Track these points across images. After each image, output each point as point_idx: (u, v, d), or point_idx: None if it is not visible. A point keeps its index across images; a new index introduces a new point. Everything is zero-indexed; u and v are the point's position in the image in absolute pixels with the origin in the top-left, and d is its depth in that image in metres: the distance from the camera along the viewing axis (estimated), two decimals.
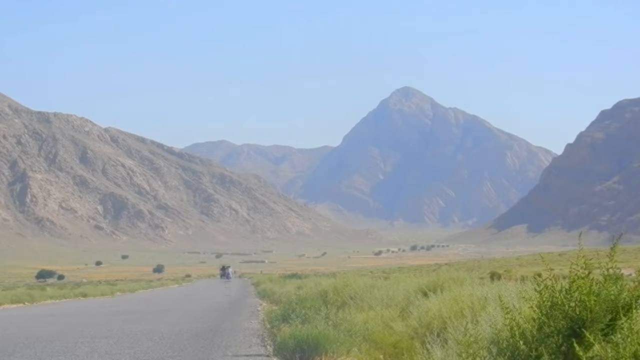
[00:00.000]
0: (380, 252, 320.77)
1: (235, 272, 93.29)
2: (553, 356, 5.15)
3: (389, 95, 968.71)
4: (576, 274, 5.34)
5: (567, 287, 5.33)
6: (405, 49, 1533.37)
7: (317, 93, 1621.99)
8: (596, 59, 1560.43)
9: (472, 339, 5.52)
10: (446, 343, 7.12)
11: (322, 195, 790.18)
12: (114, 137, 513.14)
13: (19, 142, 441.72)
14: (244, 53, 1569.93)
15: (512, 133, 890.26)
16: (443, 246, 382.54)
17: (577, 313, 5.21)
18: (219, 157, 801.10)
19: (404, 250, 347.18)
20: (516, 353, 5.29)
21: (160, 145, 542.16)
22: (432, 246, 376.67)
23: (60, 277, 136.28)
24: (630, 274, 8.94)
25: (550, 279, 5.43)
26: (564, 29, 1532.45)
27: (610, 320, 5.16)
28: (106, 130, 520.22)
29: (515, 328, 5.35)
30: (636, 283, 5.30)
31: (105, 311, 23.25)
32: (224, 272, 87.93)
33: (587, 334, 5.03)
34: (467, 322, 6.47)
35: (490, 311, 7.35)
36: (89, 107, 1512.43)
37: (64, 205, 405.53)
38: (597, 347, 4.93)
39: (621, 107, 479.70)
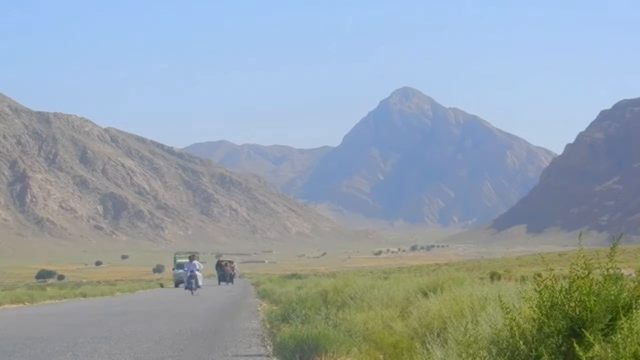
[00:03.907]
0: (380, 252, 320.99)
1: (236, 271, 67.50)
2: (553, 356, 5.15)
3: (389, 95, 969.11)
4: (576, 274, 5.34)
5: (567, 287, 5.33)
6: (406, 48, 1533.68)
7: (317, 93, 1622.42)
8: (596, 59, 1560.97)
9: (472, 339, 5.52)
10: (446, 343, 7.11)
11: (322, 195, 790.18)
12: (114, 137, 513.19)
13: (19, 142, 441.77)
14: (243, 53, 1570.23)
15: (512, 133, 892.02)
16: (443, 246, 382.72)
17: (577, 313, 5.21)
18: (219, 157, 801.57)
19: (403, 251, 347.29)
20: (516, 353, 5.29)
21: (160, 145, 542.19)
22: (432, 246, 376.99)
23: (60, 277, 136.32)
24: (630, 274, 8.94)
25: (550, 279, 5.43)
26: (564, 29, 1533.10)
27: (610, 321, 5.16)
28: (106, 130, 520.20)
29: (515, 328, 5.35)
30: (636, 283, 5.31)
31: (105, 311, 23.24)
32: (223, 272, 62.68)
33: (587, 334, 5.03)
34: (467, 322, 6.46)
35: (490, 311, 7.34)
36: (89, 107, 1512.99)
37: (64, 205, 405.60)
38: (597, 347, 4.94)
39: (621, 107, 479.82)
